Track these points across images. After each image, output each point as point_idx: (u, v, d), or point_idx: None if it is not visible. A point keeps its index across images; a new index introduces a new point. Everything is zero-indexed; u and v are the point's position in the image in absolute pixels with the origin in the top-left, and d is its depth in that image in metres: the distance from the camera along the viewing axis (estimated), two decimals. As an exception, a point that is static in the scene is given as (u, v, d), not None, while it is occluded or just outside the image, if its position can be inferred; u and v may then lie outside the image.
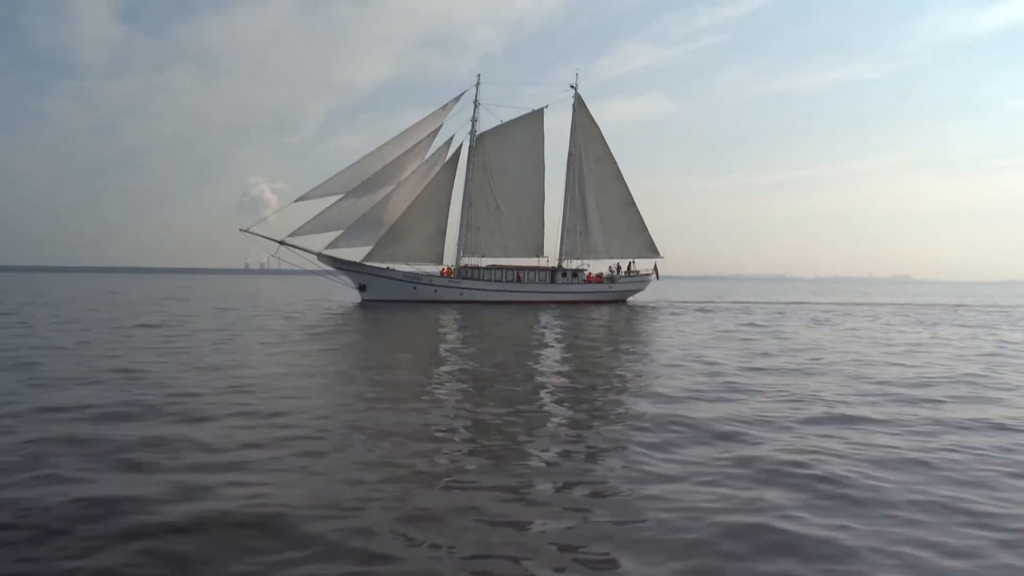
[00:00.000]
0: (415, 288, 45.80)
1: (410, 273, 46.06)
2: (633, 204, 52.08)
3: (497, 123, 49.47)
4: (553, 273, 49.69)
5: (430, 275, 46.73)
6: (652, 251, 52.43)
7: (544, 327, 28.92)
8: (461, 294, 46.64)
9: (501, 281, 48.13)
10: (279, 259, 43.64)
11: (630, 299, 52.76)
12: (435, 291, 46.11)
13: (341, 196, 44.31)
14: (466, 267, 48.06)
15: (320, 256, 44.46)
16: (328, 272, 45.55)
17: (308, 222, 43.96)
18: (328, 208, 44.29)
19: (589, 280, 50.49)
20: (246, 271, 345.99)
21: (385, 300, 44.84)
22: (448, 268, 47.56)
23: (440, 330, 27.45)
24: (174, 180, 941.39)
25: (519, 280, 48.59)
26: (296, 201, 44.17)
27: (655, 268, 53.13)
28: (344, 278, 46.04)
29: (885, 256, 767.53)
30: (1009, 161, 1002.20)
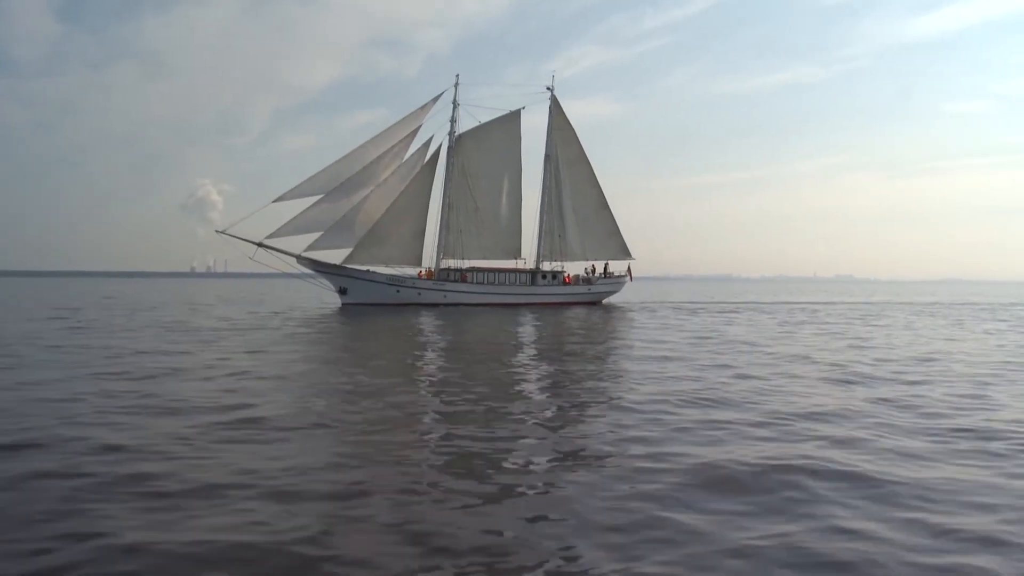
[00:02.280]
0: (398, 291, 44.90)
1: (393, 276, 45.17)
2: (607, 206, 52.38)
3: (475, 124, 49.07)
4: (533, 275, 49.52)
5: (413, 278, 45.95)
6: (625, 253, 52.82)
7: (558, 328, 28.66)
8: (445, 296, 45.97)
9: (483, 283, 47.65)
10: (257, 261, 42.21)
11: (604, 300, 52.92)
12: (419, 294, 45.31)
13: (320, 197, 43.21)
14: (449, 269, 47.42)
15: (299, 258, 43.20)
16: (307, 275, 44.35)
17: (287, 223, 42.69)
18: (307, 209, 43.07)
19: (565, 282, 50.42)
20: (192, 274, 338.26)
21: (367, 303, 43.89)
22: (429, 270, 46.81)
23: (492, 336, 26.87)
24: (116, 181, 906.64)
25: (502, 283, 48.23)
26: (274, 202, 42.76)
27: (628, 270, 53.51)
28: (324, 281, 44.86)
29: (828, 256, 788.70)
30: (945, 163, 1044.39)
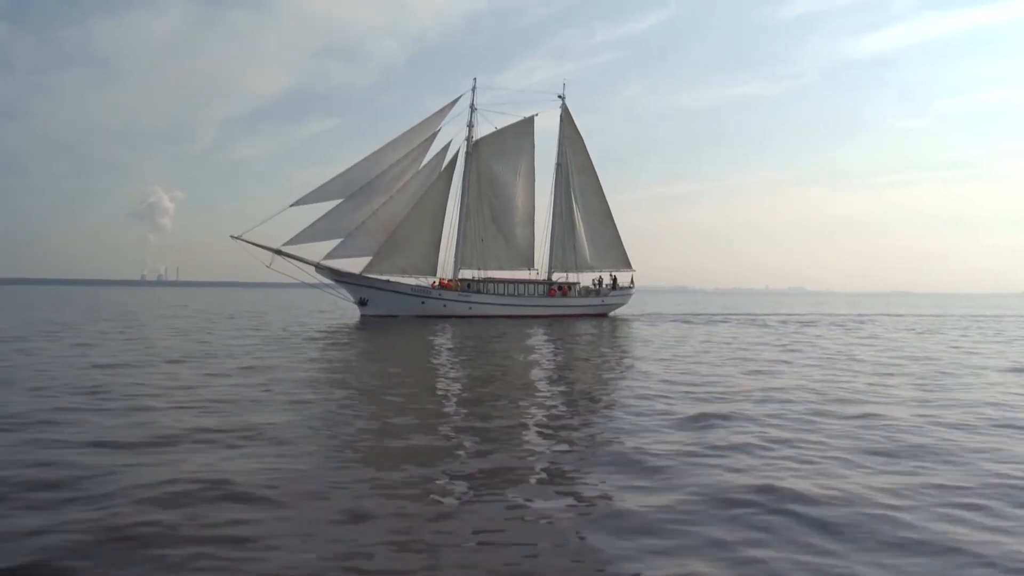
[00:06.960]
0: (423, 303, 43.14)
1: (418, 286, 43.44)
2: (611, 216, 51.77)
3: (491, 130, 47.79)
4: (549, 287, 48.48)
5: (440, 289, 44.34)
6: (626, 264, 52.17)
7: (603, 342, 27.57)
8: (470, 308, 44.40)
9: (503, 295, 46.31)
10: (274, 270, 39.99)
11: (611, 313, 52.10)
12: (444, 305, 43.66)
13: (339, 201, 41.31)
14: (474, 280, 45.93)
15: (319, 267, 41.15)
16: (326, 285, 42.27)
17: (305, 230, 40.48)
18: (325, 215, 41.07)
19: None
20: (142, 282, 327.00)
21: (388, 315, 42.11)
22: (449, 281, 45.14)
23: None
24: (62, 187, 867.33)
25: (521, 294, 46.97)
26: (292, 206, 40.61)
27: (632, 281, 52.92)
28: (343, 291, 42.83)
29: (780, 268, 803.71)
30: (890, 177, 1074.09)
